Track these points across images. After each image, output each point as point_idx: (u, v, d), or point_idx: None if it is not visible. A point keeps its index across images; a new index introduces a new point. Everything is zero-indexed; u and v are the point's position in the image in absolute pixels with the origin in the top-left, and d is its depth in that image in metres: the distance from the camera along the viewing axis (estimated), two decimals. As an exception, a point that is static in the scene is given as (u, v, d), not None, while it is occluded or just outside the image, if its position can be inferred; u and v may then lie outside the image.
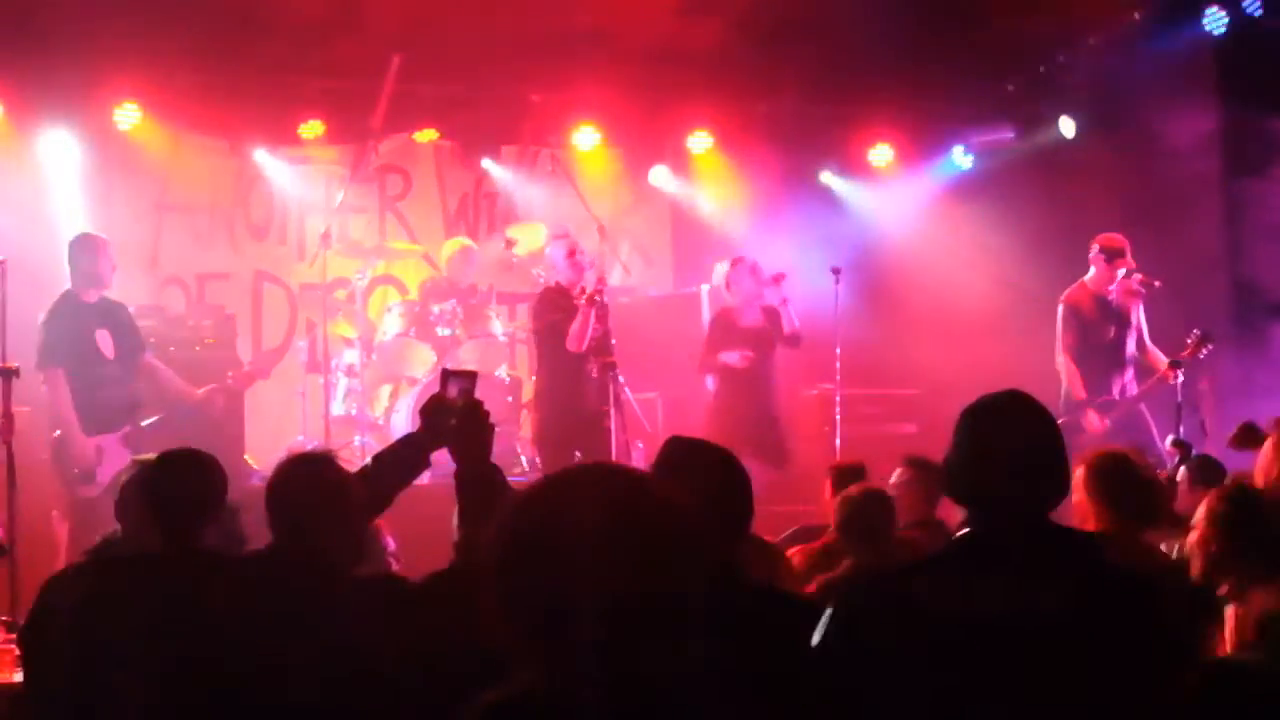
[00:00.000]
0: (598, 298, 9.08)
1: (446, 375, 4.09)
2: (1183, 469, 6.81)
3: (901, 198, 12.28)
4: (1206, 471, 6.41)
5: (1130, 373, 9.63)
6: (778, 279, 9.87)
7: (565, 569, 2.12)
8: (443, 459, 4.21)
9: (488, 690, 2.20)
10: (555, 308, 9.25)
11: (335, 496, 3.98)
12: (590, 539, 2.13)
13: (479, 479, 3.98)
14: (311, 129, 11.29)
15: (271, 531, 3.97)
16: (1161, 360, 9.43)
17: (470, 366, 4.60)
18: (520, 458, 10.46)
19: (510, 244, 11.54)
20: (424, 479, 8.70)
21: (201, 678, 3.84)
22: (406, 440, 4.20)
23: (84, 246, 8.85)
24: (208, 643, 3.90)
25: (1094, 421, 9.37)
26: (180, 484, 4.38)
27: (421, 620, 3.79)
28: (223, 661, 3.83)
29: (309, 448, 9.22)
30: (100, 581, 4.33)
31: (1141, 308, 9.67)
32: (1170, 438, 8.19)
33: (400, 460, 4.22)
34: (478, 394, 4.18)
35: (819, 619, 3.26)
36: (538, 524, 2.18)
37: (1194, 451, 7.24)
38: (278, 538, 3.96)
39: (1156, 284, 9.56)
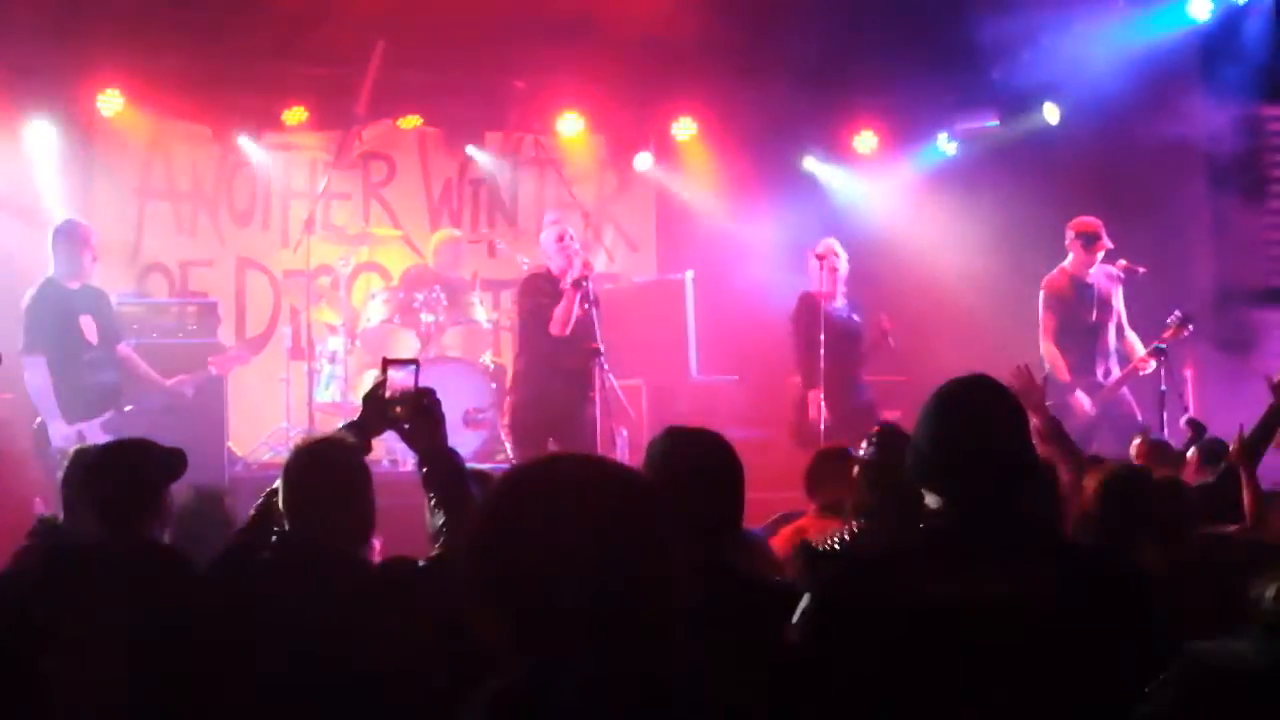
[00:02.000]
0: (583, 283, 9.06)
1: (387, 364, 4.12)
2: (1193, 448, 7.11)
3: (885, 184, 12.28)
4: (1216, 453, 6.66)
5: (1114, 357, 9.68)
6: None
7: (545, 558, 2.11)
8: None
9: (483, 683, 2.18)
10: (539, 292, 9.23)
11: (351, 482, 4.02)
12: (571, 528, 2.12)
13: (439, 465, 4.02)
14: (295, 115, 11.27)
15: (286, 517, 4.00)
16: (1138, 347, 9.51)
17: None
18: (505, 444, 10.45)
19: (493, 251, 11.66)
20: (408, 467, 8.77)
21: (221, 669, 3.88)
22: (345, 429, 4.24)
23: (67, 235, 8.83)
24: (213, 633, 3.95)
25: (1081, 403, 9.40)
26: (118, 475, 4.41)
27: (428, 604, 3.85)
28: (240, 651, 3.88)
29: (303, 434, 9.25)
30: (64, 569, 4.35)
31: (1121, 292, 9.72)
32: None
33: None
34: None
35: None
36: (517, 512, 2.17)
37: (1206, 434, 7.36)
38: (293, 524, 3.98)
39: (1141, 270, 9.60)
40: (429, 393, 4.07)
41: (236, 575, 4.10)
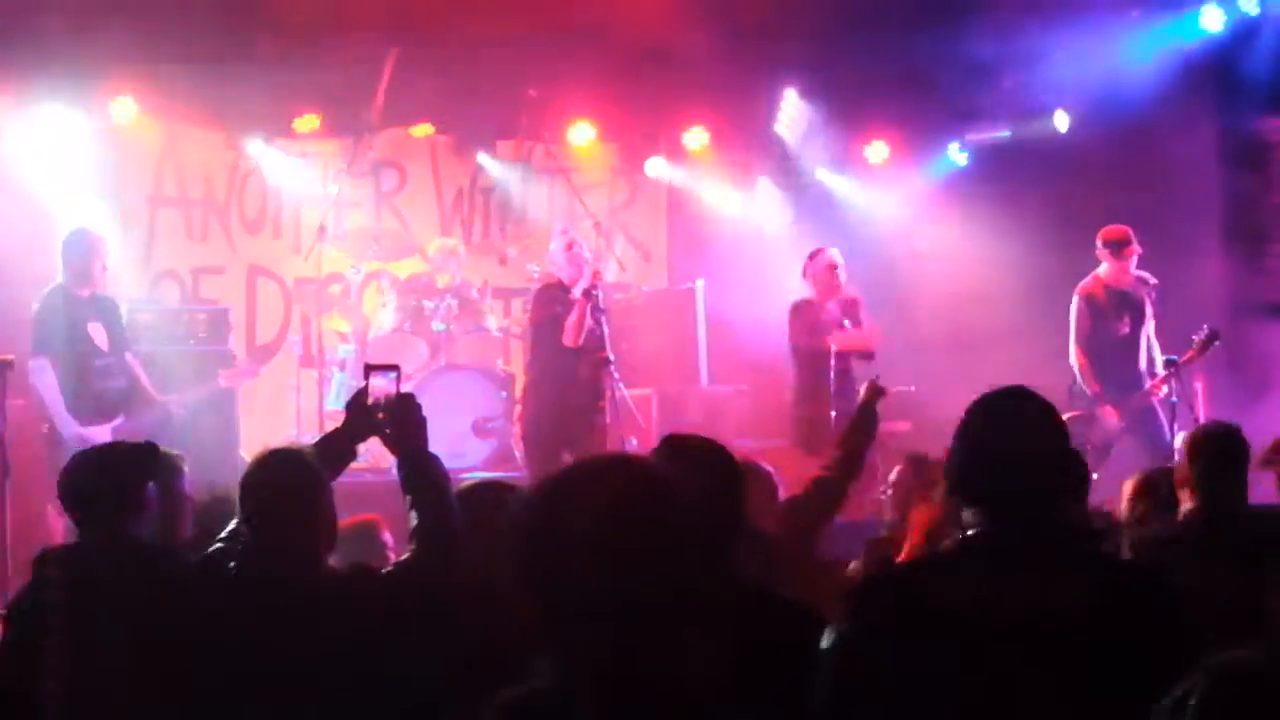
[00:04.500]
0: (593, 292, 9.09)
1: (369, 369, 4.18)
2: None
3: (897, 194, 12.28)
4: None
5: (1145, 368, 9.56)
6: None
7: (574, 563, 2.13)
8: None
9: (504, 688, 2.21)
10: (553, 302, 9.26)
11: (303, 491, 4.04)
12: (598, 532, 2.14)
13: (418, 469, 4.08)
14: (307, 123, 11.30)
15: (246, 527, 4.05)
16: (1159, 359, 9.43)
17: (396, 360, 4.66)
18: (515, 453, 10.45)
19: (504, 260, 11.66)
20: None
21: (168, 672, 3.91)
22: (330, 435, 4.28)
23: (77, 243, 8.83)
24: (170, 636, 3.97)
25: (1109, 416, 9.33)
26: (93, 477, 4.43)
27: (391, 609, 3.93)
28: (190, 655, 3.90)
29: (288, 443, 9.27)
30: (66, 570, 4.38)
31: (1151, 301, 9.62)
32: (1180, 434, 8.21)
33: (325, 454, 4.25)
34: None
35: (806, 622, 3.25)
36: (547, 517, 2.19)
37: None
38: (252, 534, 4.03)
39: (1153, 281, 9.55)
40: (410, 398, 4.14)
41: (202, 583, 4.12)
